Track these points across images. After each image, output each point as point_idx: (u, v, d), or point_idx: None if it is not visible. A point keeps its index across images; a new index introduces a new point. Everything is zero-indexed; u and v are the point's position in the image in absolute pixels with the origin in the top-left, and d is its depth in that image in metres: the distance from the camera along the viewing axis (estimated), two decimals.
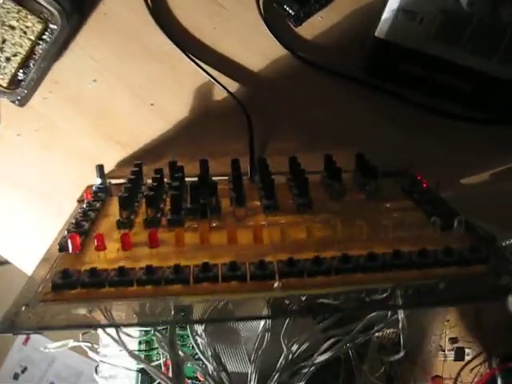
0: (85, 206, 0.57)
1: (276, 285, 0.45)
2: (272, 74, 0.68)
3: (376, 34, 0.59)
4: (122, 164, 0.70)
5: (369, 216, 0.56)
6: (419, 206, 0.58)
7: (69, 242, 0.47)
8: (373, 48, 0.60)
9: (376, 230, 0.51)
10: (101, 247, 0.47)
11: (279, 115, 0.70)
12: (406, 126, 0.70)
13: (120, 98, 0.68)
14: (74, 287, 0.44)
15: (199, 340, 0.52)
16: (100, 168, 0.64)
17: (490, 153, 0.71)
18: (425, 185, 0.63)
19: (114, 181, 0.68)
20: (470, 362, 0.78)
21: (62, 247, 0.50)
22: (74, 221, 0.53)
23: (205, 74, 0.67)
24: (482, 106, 0.63)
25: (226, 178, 0.68)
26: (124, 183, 0.57)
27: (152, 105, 0.68)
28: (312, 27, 0.66)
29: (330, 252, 0.49)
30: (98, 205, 0.59)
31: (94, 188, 0.63)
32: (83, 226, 0.53)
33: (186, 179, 0.65)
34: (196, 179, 0.63)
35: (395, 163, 0.70)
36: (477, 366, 0.78)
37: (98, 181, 0.64)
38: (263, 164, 0.64)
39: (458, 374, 0.79)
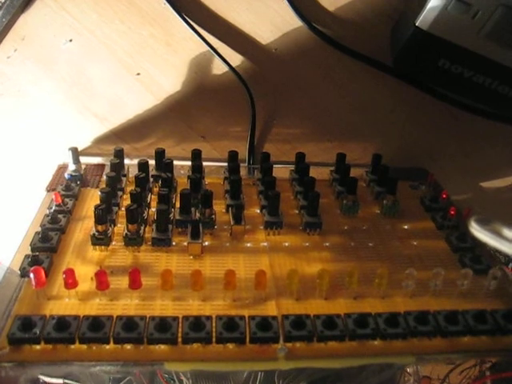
0: (53, 209, 0.48)
1: (280, 348, 0.38)
2: (282, 48, 0.57)
3: (417, 23, 0.49)
4: (99, 141, 0.60)
5: (385, 246, 0.49)
6: (441, 229, 0.51)
7: (31, 275, 0.39)
8: (411, 38, 0.50)
9: (394, 271, 0.44)
10: (71, 285, 0.39)
11: (286, 97, 0.60)
12: (428, 121, 0.62)
13: (100, 64, 0.57)
14: (36, 342, 0.36)
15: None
16: (74, 152, 0.54)
17: None
18: (444, 195, 0.56)
19: (89, 160, 0.59)
20: (459, 364, 0.75)
21: (24, 273, 0.41)
22: (40, 235, 0.45)
23: (203, 42, 0.56)
24: None
25: (220, 164, 0.59)
26: (102, 189, 0.48)
27: (138, 74, 0.58)
28: None
29: (342, 300, 0.42)
30: (69, 204, 0.50)
31: (66, 175, 0.54)
32: (50, 244, 0.44)
33: (177, 163, 0.56)
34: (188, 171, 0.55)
35: (411, 159, 0.63)
36: (467, 368, 0.75)
37: (72, 167, 0.54)
38: (266, 164, 0.55)
39: (447, 375, 0.76)
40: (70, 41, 0.56)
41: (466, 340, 0.40)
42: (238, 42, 0.57)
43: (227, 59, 0.57)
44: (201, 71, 0.58)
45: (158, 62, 0.57)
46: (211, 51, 0.56)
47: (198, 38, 0.56)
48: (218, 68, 0.58)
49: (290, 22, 0.56)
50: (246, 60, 0.58)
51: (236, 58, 0.57)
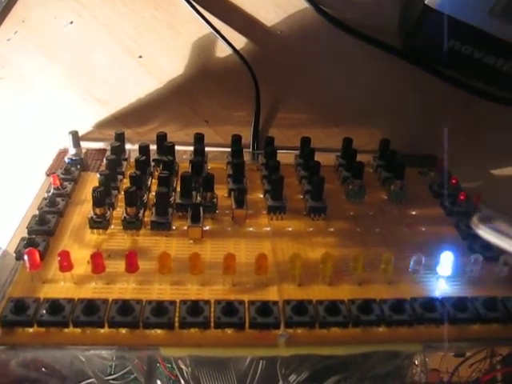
0: (51, 192, 0.47)
1: (281, 334, 0.36)
2: (287, 30, 0.56)
3: (427, 1, 0.47)
4: (101, 125, 0.59)
5: (392, 232, 0.47)
6: (450, 216, 0.50)
7: (25, 257, 0.38)
8: (420, 17, 0.48)
9: (401, 257, 0.43)
10: (66, 268, 0.38)
11: (291, 81, 0.58)
12: (438, 107, 0.60)
13: (102, 47, 0.56)
14: (29, 325, 0.35)
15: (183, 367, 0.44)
16: (74, 136, 0.53)
17: None
18: (454, 180, 0.54)
19: (90, 145, 0.58)
20: (469, 357, 0.73)
21: (19, 256, 0.40)
22: (37, 218, 0.44)
23: (207, 24, 0.55)
24: None
25: (223, 150, 0.58)
26: (101, 171, 0.47)
27: (140, 57, 0.56)
28: None
29: (347, 285, 0.41)
30: (68, 187, 0.49)
31: (66, 159, 0.53)
32: (47, 227, 0.43)
33: (180, 148, 0.55)
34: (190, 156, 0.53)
35: (420, 146, 0.61)
36: (476, 362, 0.73)
37: (72, 151, 0.53)
38: (270, 148, 0.53)
39: (456, 368, 0.74)
40: (71, 23, 0.55)
41: (475, 328, 0.38)
42: (241, 23, 0.55)
43: (231, 41, 0.55)
44: (204, 54, 0.56)
45: (161, 45, 0.56)
46: (214, 33, 0.55)
47: (201, 20, 0.54)
48: (222, 51, 0.56)
49: (295, 3, 0.55)
50: (250, 42, 0.56)
51: (240, 41, 0.56)
